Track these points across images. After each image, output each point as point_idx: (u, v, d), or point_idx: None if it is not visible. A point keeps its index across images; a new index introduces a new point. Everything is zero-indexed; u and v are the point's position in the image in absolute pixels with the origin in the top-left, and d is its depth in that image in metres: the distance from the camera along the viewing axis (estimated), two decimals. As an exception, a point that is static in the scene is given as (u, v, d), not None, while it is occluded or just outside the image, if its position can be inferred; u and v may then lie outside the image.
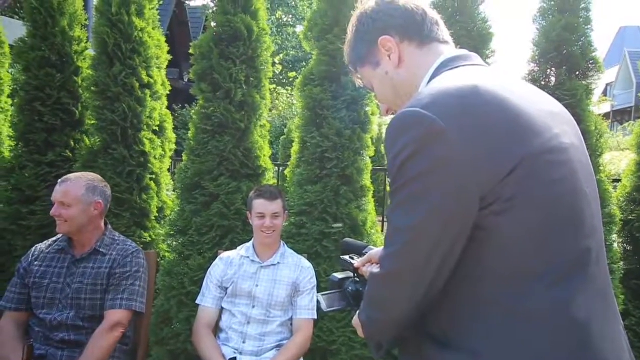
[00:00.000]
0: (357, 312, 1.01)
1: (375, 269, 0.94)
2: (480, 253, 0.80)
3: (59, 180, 2.09)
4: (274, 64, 13.94)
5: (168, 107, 3.07)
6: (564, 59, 2.46)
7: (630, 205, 2.42)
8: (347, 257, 1.22)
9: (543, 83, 2.51)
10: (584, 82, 2.47)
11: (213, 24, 2.72)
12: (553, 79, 2.50)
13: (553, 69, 2.50)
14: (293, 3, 13.80)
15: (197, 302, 2.17)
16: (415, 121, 0.80)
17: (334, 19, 2.64)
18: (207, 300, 2.13)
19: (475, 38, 2.56)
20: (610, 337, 0.82)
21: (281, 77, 12.56)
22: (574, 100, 2.39)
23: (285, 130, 7.29)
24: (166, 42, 3.02)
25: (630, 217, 2.39)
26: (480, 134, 0.78)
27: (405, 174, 0.80)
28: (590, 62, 2.46)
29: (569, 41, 2.42)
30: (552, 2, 2.53)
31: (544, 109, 0.86)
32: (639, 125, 2.47)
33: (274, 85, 11.48)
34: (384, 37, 0.95)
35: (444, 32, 0.98)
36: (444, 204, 0.78)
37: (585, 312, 0.78)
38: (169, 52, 3.00)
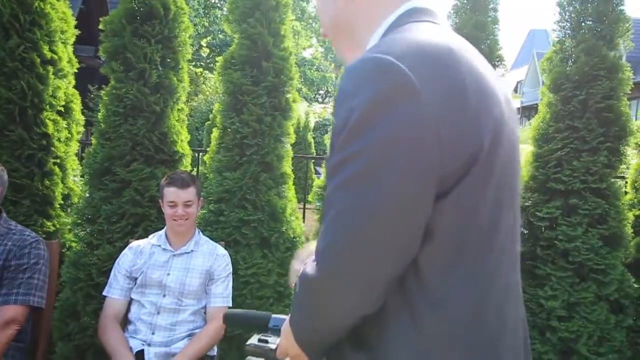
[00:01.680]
0: (287, 318, 0.85)
1: (310, 266, 0.72)
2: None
3: None
4: (200, 46, 13.46)
5: (80, 87, 2.84)
6: (474, 55, 2.59)
7: (527, 193, 2.62)
8: (255, 342, 0.96)
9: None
10: None
11: (126, -1, 2.55)
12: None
13: (464, 64, 2.63)
14: (221, -16, 13.38)
15: (103, 293, 2.05)
16: (384, 70, 0.64)
17: (254, 3, 2.58)
18: (114, 291, 2.02)
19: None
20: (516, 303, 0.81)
21: (208, 61, 12.16)
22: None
23: (210, 116, 7.10)
24: (82, 16, 2.79)
25: (526, 204, 2.59)
26: (455, 103, 0.66)
27: (360, 138, 0.64)
28: (497, 59, 2.61)
29: (478, 39, 2.55)
30: (465, 1, 2.65)
31: (492, 74, 0.78)
32: (536, 119, 2.67)
33: (201, 69, 11.11)
34: None
35: None
36: (406, 185, 0.64)
37: (505, 289, 0.77)
38: (84, 28, 2.78)
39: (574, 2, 2.70)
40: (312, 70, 17.64)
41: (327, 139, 2.65)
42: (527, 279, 2.53)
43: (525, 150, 2.76)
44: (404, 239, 0.67)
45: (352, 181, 0.65)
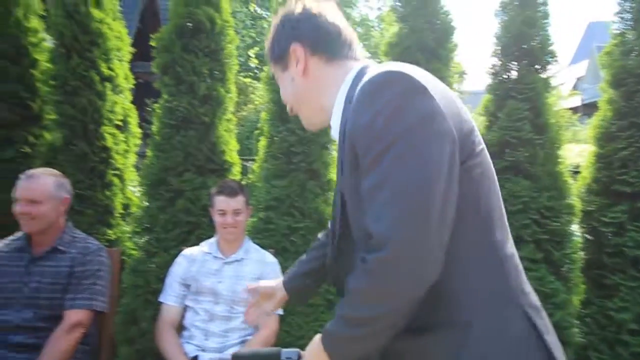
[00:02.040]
0: (322, 335, 0.91)
1: (368, 252, 0.80)
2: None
3: (22, 176, 2.02)
4: (248, 57, 13.79)
5: (138, 101, 2.99)
6: (524, 53, 2.49)
7: (590, 196, 2.47)
8: None
9: (505, 76, 2.54)
10: (543, 76, 2.50)
11: (175, 16, 2.66)
12: (514, 72, 2.53)
13: (514, 62, 2.53)
14: (266, -5, 13.67)
15: (159, 299, 2.13)
16: (395, 78, 0.83)
17: (299, 11, 2.61)
18: (169, 297, 2.09)
19: (438, 31, 2.57)
20: None
21: (256, 71, 12.44)
22: (533, 93, 2.43)
23: (259, 125, 7.23)
24: (139, 34, 2.94)
25: (589, 208, 2.45)
26: (442, 98, 0.84)
27: (391, 130, 0.79)
28: (549, 55, 2.49)
29: (528, 35, 2.45)
30: (513, -4, 2.56)
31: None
32: (597, 117, 2.52)
33: (249, 79, 11.36)
34: (295, 46, 1.01)
35: (356, 51, 1.03)
36: (442, 154, 0.79)
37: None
38: (141, 45, 2.93)
39: (636, -9, 2.53)
40: (358, 75, 17.59)
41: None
42: (593, 289, 2.38)
43: (587, 151, 2.61)
44: (452, 202, 0.81)
45: (399, 163, 0.78)
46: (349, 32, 1.03)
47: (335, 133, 0.99)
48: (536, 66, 2.50)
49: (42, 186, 2.01)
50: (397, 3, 2.67)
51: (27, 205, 1.97)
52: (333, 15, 1.02)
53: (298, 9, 1.02)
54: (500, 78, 2.52)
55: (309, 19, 1.00)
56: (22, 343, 1.91)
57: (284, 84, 1.06)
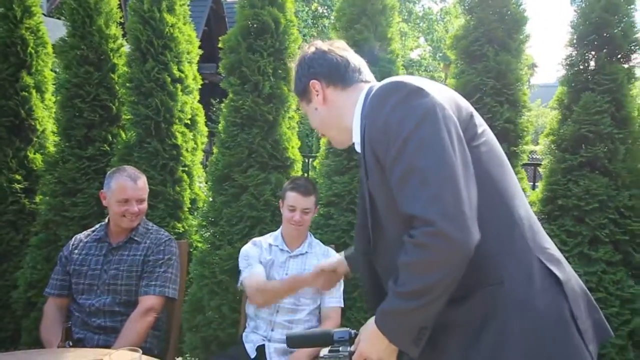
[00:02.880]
0: (376, 316, 1.02)
1: (413, 229, 0.93)
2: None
3: (126, 176, 2.14)
4: (309, 56, 13.95)
5: (203, 101, 3.13)
6: (604, 42, 2.32)
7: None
8: (327, 353, 1.13)
9: (581, 67, 2.38)
10: (625, 66, 2.32)
11: (241, 18, 2.75)
12: (592, 62, 2.36)
13: (592, 52, 2.36)
14: (328, -6, 13.74)
15: (241, 278, 2.09)
16: (395, 87, 1.03)
17: (361, 9, 2.62)
18: (253, 269, 2.04)
19: (508, 22, 2.46)
20: None
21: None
22: (614, 85, 2.26)
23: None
24: (204, 37, 3.09)
25: None
26: (438, 92, 1.03)
27: (404, 127, 0.96)
28: (634, 44, 2.31)
29: (609, 22, 2.28)
30: (592, -19, 2.39)
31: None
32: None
33: (310, 77, 11.49)
34: (313, 81, 1.20)
35: (365, 74, 1.23)
36: (450, 135, 0.96)
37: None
38: (207, 47, 3.06)
39: None
40: (420, 71, 17.30)
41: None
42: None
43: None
44: (471, 171, 0.97)
45: (418, 152, 0.94)
46: (357, 60, 1.23)
47: (357, 147, 1.14)
48: (618, 56, 2.33)
49: (145, 185, 2.20)
50: (465, -6, 2.59)
51: (138, 205, 2.14)
52: (341, 49, 1.22)
53: (311, 50, 1.23)
54: (577, 69, 2.37)
55: (321, 57, 1.20)
56: (101, 325, 2.07)
57: (310, 114, 1.25)
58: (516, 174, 2.39)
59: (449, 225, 0.89)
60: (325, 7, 14.25)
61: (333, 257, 1.51)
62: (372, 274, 1.18)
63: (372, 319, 1.04)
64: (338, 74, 1.19)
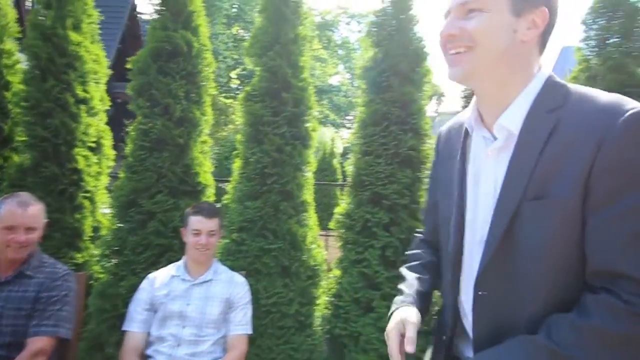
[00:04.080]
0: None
1: (632, 295, 0.77)
2: None
3: (17, 202, 1.96)
4: (229, 78, 13.88)
5: (116, 121, 2.98)
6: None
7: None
8: None
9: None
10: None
11: (152, 39, 2.68)
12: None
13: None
14: (249, 18, 13.84)
15: (123, 328, 2.08)
16: None
17: (274, 36, 2.67)
18: (134, 324, 2.04)
19: (411, 57, 2.64)
20: None
21: (238, 92, 12.52)
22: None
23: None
24: (119, 55, 2.97)
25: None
26: None
27: None
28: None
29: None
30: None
31: None
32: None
33: (231, 100, 11.41)
34: (544, 9, 0.86)
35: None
36: None
37: None
38: (121, 66, 2.93)
39: (598, 20, 2.64)
40: (339, 96, 17.86)
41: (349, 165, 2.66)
42: None
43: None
44: None
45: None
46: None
47: (508, 123, 0.88)
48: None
49: (37, 212, 1.99)
50: (373, 28, 2.75)
51: (24, 234, 1.93)
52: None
53: None
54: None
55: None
56: (-21, 371, 1.84)
57: (500, 27, 0.86)
58: (420, 198, 2.54)
59: None
60: (247, 31, 14.34)
61: (412, 318, 0.99)
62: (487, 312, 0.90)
63: None
64: (552, 28, 0.89)
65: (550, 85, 0.88)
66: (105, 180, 2.88)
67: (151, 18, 2.84)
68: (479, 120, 0.97)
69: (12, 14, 2.91)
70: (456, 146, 1.03)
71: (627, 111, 0.80)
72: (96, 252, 2.64)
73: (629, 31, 2.51)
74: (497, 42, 0.86)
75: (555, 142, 0.83)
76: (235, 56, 12.98)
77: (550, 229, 0.82)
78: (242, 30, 14.66)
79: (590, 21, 2.63)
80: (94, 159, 2.77)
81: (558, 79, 0.90)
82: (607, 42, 2.58)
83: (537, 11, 0.86)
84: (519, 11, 0.85)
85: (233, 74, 12.76)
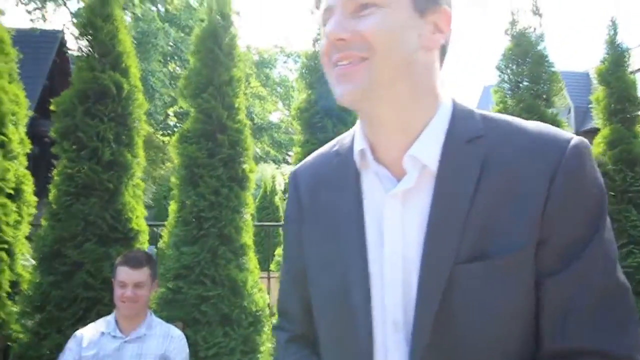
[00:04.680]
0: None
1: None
2: None
3: None
4: (167, 115, 13.59)
5: (42, 161, 2.79)
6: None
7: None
8: None
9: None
10: None
11: (78, 81, 2.58)
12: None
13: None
14: (185, 57, 13.77)
15: None
16: (587, 147, 0.68)
17: (208, 78, 2.65)
18: None
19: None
20: None
21: (174, 129, 12.26)
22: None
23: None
24: (46, 93, 2.80)
25: None
26: None
27: (599, 215, 0.65)
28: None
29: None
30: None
31: None
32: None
33: (168, 137, 11.15)
34: (447, 8, 0.68)
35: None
36: None
37: None
38: (47, 103, 2.76)
39: (511, 65, 2.89)
40: (279, 133, 17.99)
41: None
42: None
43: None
44: None
45: (608, 236, 0.64)
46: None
47: (423, 156, 0.67)
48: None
49: None
50: (305, 71, 2.81)
51: None
52: None
53: None
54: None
55: None
56: None
57: (403, 32, 0.65)
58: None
59: None
60: (183, 68, 14.22)
61: None
62: None
63: None
64: (448, 42, 0.71)
65: (459, 111, 0.70)
66: (26, 229, 2.66)
67: (77, 57, 2.74)
68: (368, 153, 0.71)
69: None
70: (336, 191, 0.75)
71: (570, 139, 0.66)
72: (15, 309, 2.40)
73: (538, 76, 2.75)
74: (402, 48, 0.64)
75: (489, 182, 0.65)
76: (172, 94, 12.79)
77: (498, 298, 0.63)
78: (178, 68, 14.51)
79: (504, 66, 2.86)
80: (13, 206, 2.56)
81: (462, 103, 0.72)
82: (520, 85, 2.81)
83: (440, 11, 0.67)
84: (422, 8, 0.66)
85: (170, 111, 12.52)
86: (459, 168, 0.66)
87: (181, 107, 13.29)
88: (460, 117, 0.70)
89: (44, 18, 10.46)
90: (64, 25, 10.50)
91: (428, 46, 0.67)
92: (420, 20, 0.66)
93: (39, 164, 2.79)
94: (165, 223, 2.74)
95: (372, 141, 0.72)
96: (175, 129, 12.34)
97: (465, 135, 0.68)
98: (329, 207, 0.75)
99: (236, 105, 2.68)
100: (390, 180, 0.70)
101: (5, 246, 2.49)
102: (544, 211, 0.62)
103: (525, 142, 0.66)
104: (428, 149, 0.67)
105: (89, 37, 2.64)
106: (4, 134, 2.58)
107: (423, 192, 0.67)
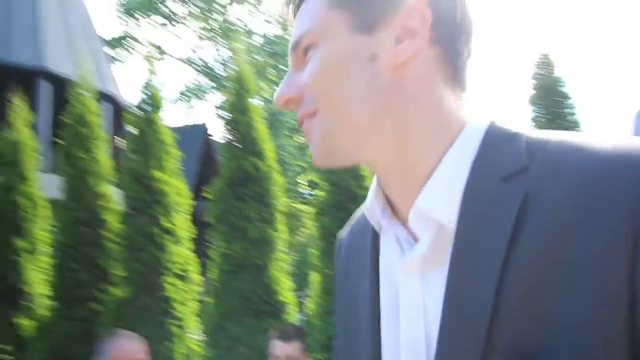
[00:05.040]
0: None
1: None
2: None
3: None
4: (297, 183, 14.42)
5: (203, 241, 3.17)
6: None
7: None
8: None
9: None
10: None
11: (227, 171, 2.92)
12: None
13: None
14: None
15: None
16: None
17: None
18: None
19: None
20: None
21: (308, 197, 12.93)
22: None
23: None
24: (198, 175, 3.25)
25: None
26: None
27: None
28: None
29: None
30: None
31: None
32: None
33: (302, 205, 11.77)
34: (412, 3, 0.51)
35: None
36: None
37: None
38: (201, 186, 3.18)
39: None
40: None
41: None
42: None
43: None
44: None
45: None
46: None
47: (432, 208, 0.48)
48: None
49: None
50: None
51: None
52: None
53: None
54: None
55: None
56: None
57: (328, 55, 0.50)
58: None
59: None
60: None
61: None
62: None
63: None
64: (459, 37, 0.50)
65: (497, 134, 0.50)
66: (194, 305, 2.98)
67: (221, 145, 3.12)
68: (387, 210, 0.54)
69: (106, 161, 3.33)
70: (356, 259, 0.61)
71: None
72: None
73: None
74: (351, 83, 0.50)
75: (529, 237, 0.44)
76: (302, 163, 13.66)
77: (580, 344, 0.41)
78: (302, 139, 15.49)
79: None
80: (181, 285, 2.91)
81: (506, 125, 0.51)
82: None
83: (403, 10, 0.51)
84: (368, 24, 0.51)
85: (299, 179, 13.32)
86: (488, 219, 0.46)
87: (311, 178, 14.05)
88: (495, 143, 0.49)
89: (191, 112, 12.12)
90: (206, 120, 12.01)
91: (397, 63, 0.50)
92: (370, 38, 0.50)
93: (195, 242, 3.16)
94: (309, 292, 2.86)
95: (386, 194, 0.54)
96: (309, 197, 12.99)
97: (502, 169, 0.47)
98: (350, 277, 0.60)
99: (363, 173, 2.78)
100: (409, 243, 0.52)
101: (177, 322, 2.81)
102: (632, 280, 0.39)
103: (589, 169, 0.44)
104: (439, 199, 0.49)
105: (231, 128, 3.03)
106: (171, 222, 3.00)
107: (446, 257, 0.48)
